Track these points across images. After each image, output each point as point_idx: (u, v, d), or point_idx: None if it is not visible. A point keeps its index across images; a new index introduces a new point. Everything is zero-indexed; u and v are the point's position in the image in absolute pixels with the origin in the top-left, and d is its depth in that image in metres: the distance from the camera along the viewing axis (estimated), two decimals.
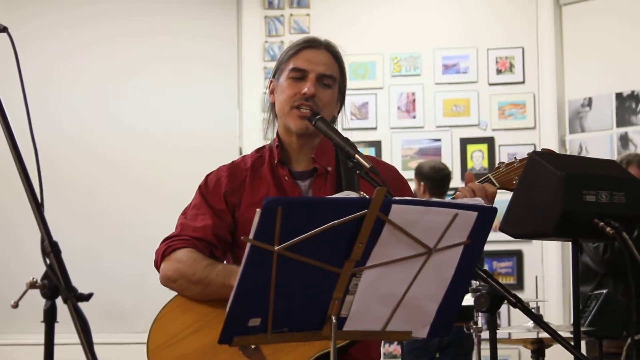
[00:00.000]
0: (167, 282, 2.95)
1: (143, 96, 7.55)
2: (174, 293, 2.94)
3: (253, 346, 2.71)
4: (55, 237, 1.99)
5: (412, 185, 6.80)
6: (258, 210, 2.10)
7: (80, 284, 1.96)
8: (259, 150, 3.13)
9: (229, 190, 3.01)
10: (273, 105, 3.08)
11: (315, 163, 3.03)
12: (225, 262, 3.01)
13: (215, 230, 2.97)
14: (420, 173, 6.46)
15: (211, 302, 2.85)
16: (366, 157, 2.81)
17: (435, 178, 6.40)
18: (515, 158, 3.18)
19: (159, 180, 7.35)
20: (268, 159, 3.06)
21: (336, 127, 3.00)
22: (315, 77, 2.97)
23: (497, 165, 3.19)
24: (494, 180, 3.12)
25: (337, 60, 3.05)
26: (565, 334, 4.16)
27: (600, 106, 7.31)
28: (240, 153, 6.76)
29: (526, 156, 3.14)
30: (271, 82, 3.09)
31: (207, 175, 3.09)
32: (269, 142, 3.15)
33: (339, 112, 3.10)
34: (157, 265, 2.99)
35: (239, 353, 2.69)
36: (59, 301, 1.98)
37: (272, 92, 3.08)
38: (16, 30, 2.23)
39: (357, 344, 2.82)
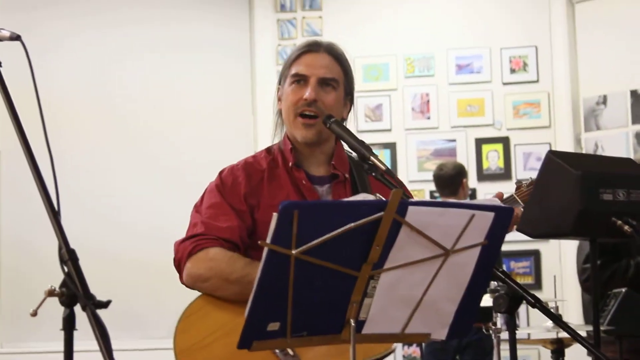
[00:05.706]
0: (195, 281, 2.83)
1: (158, 103, 7.54)
2: (195, 294, 2.84)
3: (291, 352, 2.70)
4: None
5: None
6: (275, 214, 2.10)
7: (94, 289, 1.97)
8: (269, 150, 3.08)
9: (248, 191, 2.95)
10: (280, 112, 3.06)
11: (335, 170, 3.01)
12: None
13: (240, 232, 2.90)
14: None
15: (240, 304, 2.74)
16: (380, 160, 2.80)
17: (435, 181, 6.40)
18: (531, 178, 3.25)
19: (177, 177, 7.27)
20: (282, 161, 3.02)
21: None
22: (316, 81, 2.94)
23: (517, 184, 3.25)
24: (518, 199, 3.18)
25: (339, 62, 3.01)
26: (585, 333, 4.14)
27: (615, 104, 7.28)
28: None
29: None
30: (279, 89, 3.07)
31: (221, 174, 3.01)
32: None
33: (348, 114, 3.07)
34: (181, 264, 2.86)
35: (273, 357, 2.68)
36: (77, 309, 1.99)
37: (279, 99, 3.06)
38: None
39: None
